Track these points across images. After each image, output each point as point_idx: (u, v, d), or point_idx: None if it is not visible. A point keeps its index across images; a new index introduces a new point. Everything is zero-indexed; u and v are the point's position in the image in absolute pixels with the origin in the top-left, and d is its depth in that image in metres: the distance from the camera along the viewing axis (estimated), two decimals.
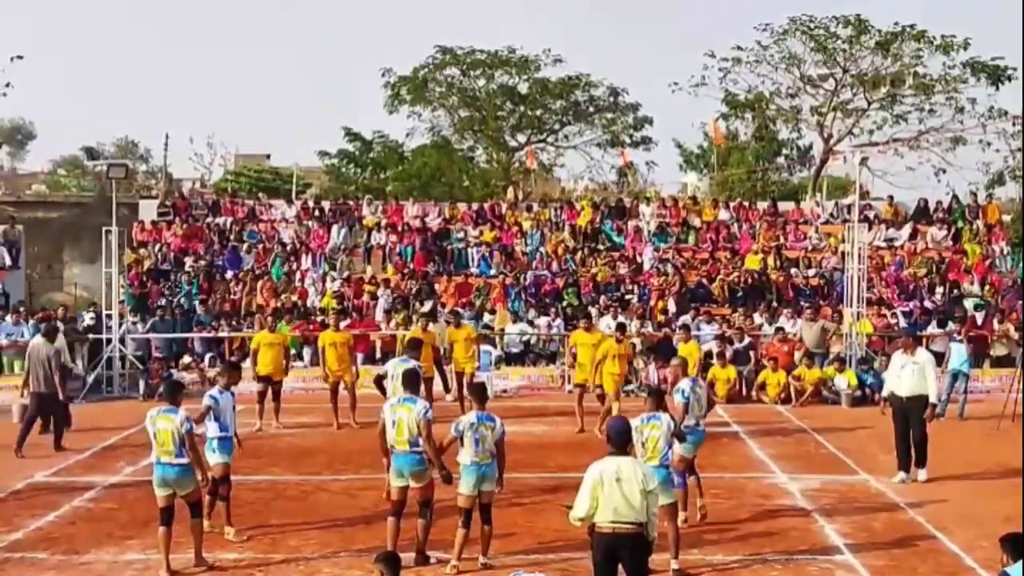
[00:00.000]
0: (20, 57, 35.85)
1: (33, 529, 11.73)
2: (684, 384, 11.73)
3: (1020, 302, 24.31)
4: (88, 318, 23.69)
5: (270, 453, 15.65)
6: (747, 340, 22.50)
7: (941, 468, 14.05)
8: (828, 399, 20.65)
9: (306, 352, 22.77)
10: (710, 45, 65.53)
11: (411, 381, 10.76)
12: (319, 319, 23.20)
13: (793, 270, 26.41)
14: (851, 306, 22.47)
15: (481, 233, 28.24)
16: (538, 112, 43.05)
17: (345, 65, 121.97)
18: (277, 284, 25.51)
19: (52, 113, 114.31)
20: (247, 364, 18.24)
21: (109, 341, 21.88)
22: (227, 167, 55.74)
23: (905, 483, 13.66)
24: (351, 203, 31.01)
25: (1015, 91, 37.22)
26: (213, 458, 11.09)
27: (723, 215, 29.57)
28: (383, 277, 26.02)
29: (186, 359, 22.59)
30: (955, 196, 31.48)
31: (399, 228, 28.43)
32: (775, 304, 24.36)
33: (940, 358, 18.27)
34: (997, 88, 37.35)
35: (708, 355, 21.11)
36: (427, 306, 23.60)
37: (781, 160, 44.56)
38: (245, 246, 27.52)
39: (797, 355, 21.36)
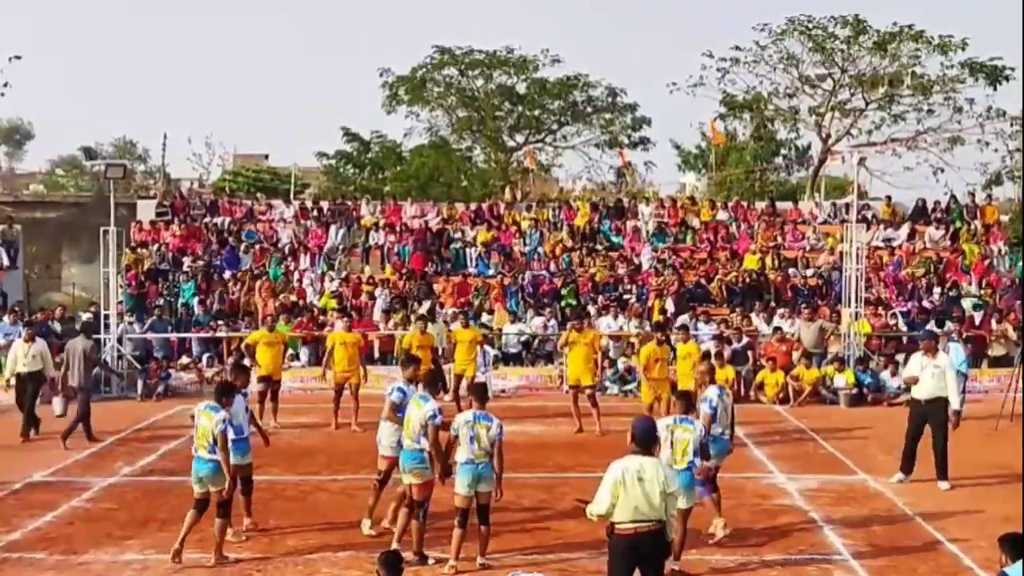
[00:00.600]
0: (18, 57, 35.80)
1: (31, 529, 11.72)
2: (711, 393, 11.25)
3: (1018, 302, 24.33)
4: (86, 318, 23.66)
5: (268, 453, 15.45)
6: (745, 340, 22.52)
7: None
8: (826, 399, 20.66)
9: (304, 352, 22.77)
10: (708, 45, 65.77)
11: (428, 381, 10.82)
12: (322, 319, 23.24)
13: (791, 270, 26.42)
14: (849, 306, 22.49)
15: (479, 233, 28.24)
16: (536, 112, 43.05)
17: (343, 65, 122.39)
18: (275, 284, 25.50)
19: (50, 113, 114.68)
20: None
21: (107, 341, 21.87)
22: (225, 167, 55.76)
23: (903, 483, 13.63)
24: (349, 203, 31.02)
25: (1013, 91, 37.34)
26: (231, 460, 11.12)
27: (721, 215, 29.58)
28: (381, 277, 26.01)
29: (184, 359, 22.59)
30: (953, 196, 31.52)
31: (397, 228, 28.42)
32: (773, 304, 24.38)
33: None
34: (995, 88, 37.40)
35: (706, 355, 21.07)
36: (425, 306, 23.60)
37: (779, 160, 44.58)
38: (243, 246, 27.51)
39: (795, 355, 21.38)
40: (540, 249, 27.67)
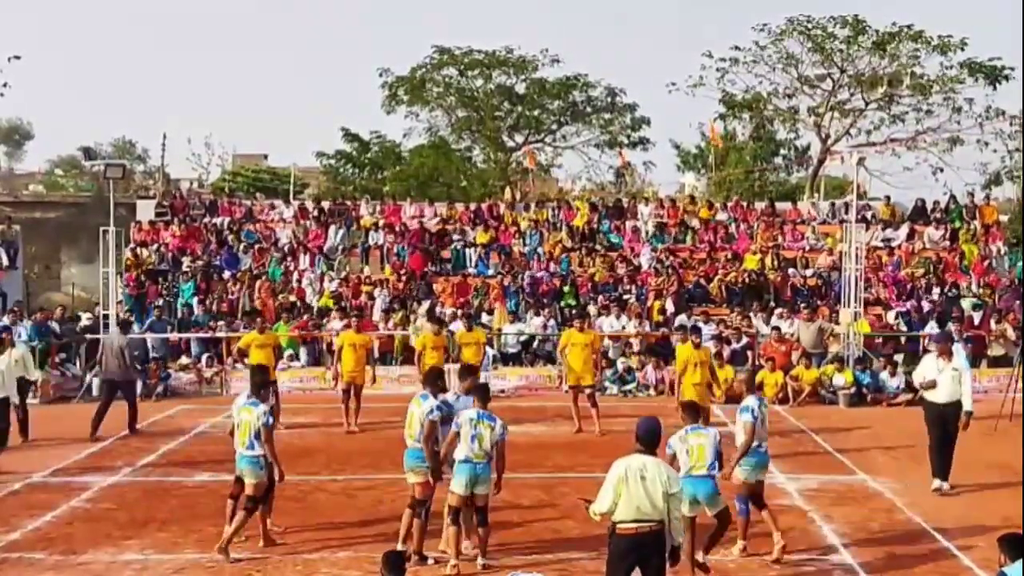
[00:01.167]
0: (18, 57, 35.61)
1: (31, 529, 11.70)
2: (751, 402, 10.60)
3: (1017, 302, 24.33)
4: (86, 318, 23.70)
5: None
6: (744, 340, 22.51)
7: None
8: (825, 399, 20.66)
9: (303, 352, 22.77)
10: (708, 45, 65.87)
11: (431, 379, 10.82)
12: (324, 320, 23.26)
13: (791, 270, 26.43)
14: (848, 306, 22.49)
15: (479, 233, 28.23)
16: (536, 112, 43.03)
17: (343, 65, 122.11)
18: (275, 284, 25.49)
19: (50, 113, 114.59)
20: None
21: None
22: (225, 167, 55.70)
23: (941, 491, 13.18)
24: (349, 203, 31.05)
25: (1013, 91, 37.32)
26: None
27: (721, 215, 29.58)
28: (381, 277, 26.01)
29: (183, 359, 22.58)
30: (952, 196, 31.48)
31: (397, 228, 28.42)
32: (772, 304, 24.38)
33: None
34: (994, 88, 37.38)
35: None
36: (425, 306, 23.60)
37: (779, 160, 44.58)
38: (243, 246, 27.50)
39: (794, 355, 21.38)
40: (540, 249, 27.67)
